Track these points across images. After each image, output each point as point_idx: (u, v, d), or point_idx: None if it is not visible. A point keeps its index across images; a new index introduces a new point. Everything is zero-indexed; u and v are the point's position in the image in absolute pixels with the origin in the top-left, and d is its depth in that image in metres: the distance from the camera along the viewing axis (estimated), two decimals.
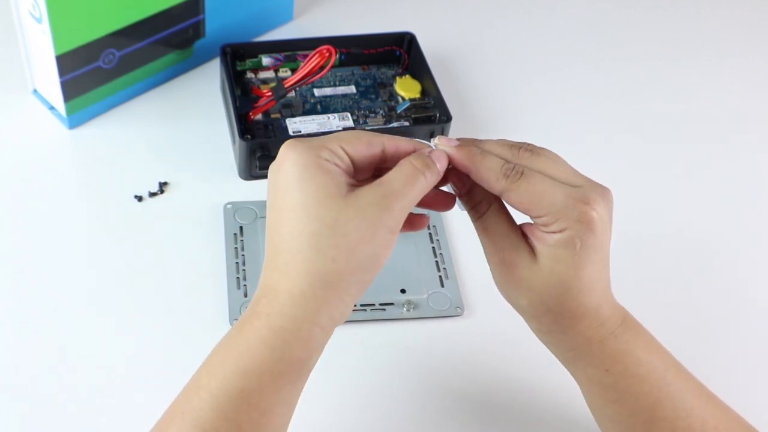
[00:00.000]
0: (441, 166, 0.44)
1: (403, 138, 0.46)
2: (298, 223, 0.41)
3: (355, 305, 0.44)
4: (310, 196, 0.41)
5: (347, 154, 0.43)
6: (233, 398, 0.41)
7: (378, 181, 0.43)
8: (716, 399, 0.49)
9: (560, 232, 0.43)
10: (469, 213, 0.47)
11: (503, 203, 0.47)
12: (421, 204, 0.46)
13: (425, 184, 0.43)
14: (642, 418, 0.47)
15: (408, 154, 0.45)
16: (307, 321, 0.41)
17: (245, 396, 0.41)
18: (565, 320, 0.45)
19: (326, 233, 0.41)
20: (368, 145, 0.44)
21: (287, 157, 0.42)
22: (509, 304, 0.49)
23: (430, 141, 0.46)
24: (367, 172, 0.46)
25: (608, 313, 0.46)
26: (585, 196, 0.43)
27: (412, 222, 0.48)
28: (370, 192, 0.42)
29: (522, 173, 0.44)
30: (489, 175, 0.44)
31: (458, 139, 0.46)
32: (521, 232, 0.46)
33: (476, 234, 0.48)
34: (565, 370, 0.50)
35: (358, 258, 0.41)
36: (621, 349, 0.47)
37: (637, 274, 0.69)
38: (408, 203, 0.43)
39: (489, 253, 0.47)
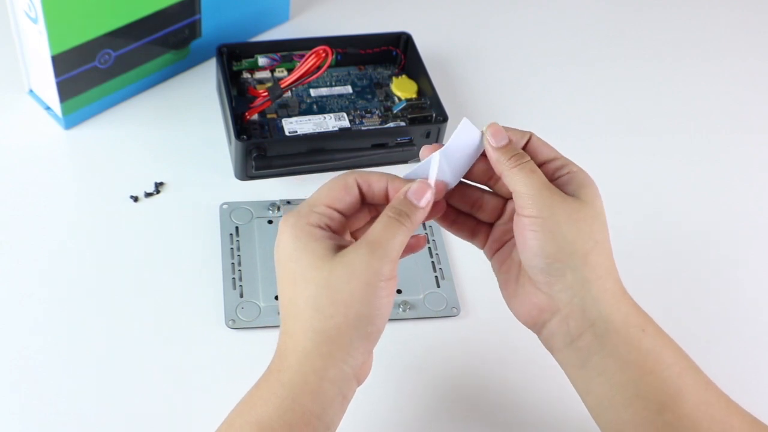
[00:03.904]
0: (419, 216, 0.46)
1: (375, 172, 0.48)
2: (297, 289, 0.45)
3: None
4: (303, 264, 0.44)
5: (334, 210, 0.46)
6: None
7: (363, 236, 0.45)
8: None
9: (577, 172, 0.48)
10: (498, 165, 0.47)
11: None
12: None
13: (405, 231, 0.45)
14: (670, 392, 0.46)
15: (383, 189, 0.47)
16: (313, 375, 0.44)
17: None
18: (606, 263, 0.47)
19: (322, 293, 0.44)
20: (345, 188, 0.47)
21: (283, 231, 0.46)
22: (512, 308, 0.49)
23: (429, 140, 0.46)
24: (362, 219, 0.49)
25: None
26: None
27: (410, 245, 0.48)
28: (356, 248, 0.44)
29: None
30: (511, 131, 0.48)
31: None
32: None
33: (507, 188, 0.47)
34: (561, 370, 0.49)
35: (355, 311, 0.43)
36: (644, 315, 0.48)
37: (635, 273, 0.69)
38: (393, 249, 0.44)
39: (532, 203, 0.46)
